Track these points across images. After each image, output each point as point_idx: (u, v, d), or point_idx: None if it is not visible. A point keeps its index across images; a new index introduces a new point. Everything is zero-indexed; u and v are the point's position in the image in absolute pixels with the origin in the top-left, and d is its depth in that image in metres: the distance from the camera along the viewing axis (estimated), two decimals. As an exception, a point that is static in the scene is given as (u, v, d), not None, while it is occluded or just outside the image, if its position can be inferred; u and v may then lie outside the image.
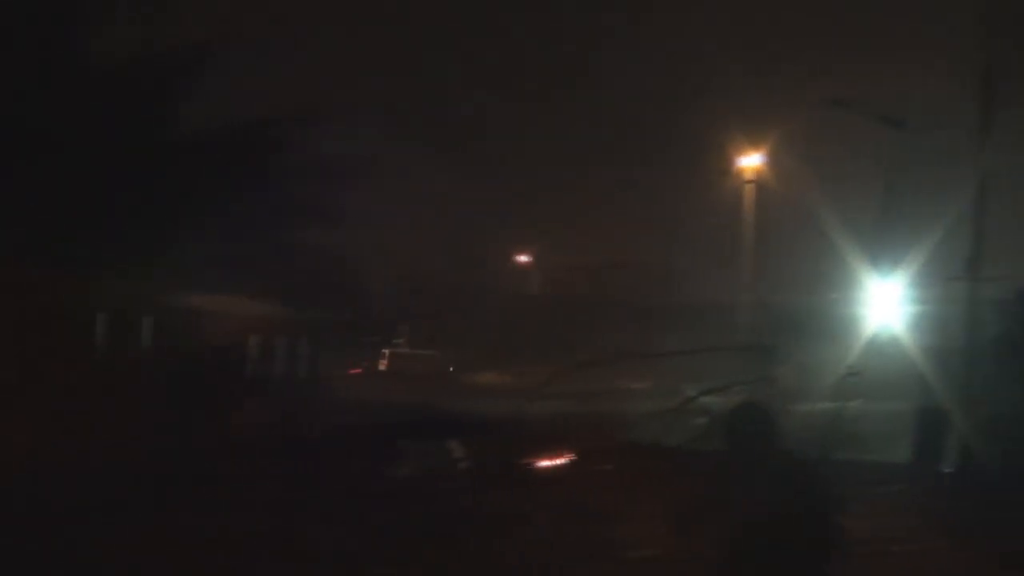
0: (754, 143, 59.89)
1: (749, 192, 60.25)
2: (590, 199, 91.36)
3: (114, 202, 28.97)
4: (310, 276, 41.04)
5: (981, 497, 22.87)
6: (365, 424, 29.33)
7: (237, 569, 16.92)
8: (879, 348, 46.30)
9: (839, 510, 10.85)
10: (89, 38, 30.53)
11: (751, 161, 60.07)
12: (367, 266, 66.78)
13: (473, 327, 73.42)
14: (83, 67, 30.13)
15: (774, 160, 59.61)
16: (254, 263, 33.70)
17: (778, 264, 64.94)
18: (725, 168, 61.58)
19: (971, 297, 28.78)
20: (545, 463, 23.53)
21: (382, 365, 67.64)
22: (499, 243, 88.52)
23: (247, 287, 33.37)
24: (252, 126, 34.19)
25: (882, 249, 39.42)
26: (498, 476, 22.18)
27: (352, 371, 62.29)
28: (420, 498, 20.61)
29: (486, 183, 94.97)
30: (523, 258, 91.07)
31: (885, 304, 41.76)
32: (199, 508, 19.58)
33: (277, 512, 19.53)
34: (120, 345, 29.12)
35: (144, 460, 23.66)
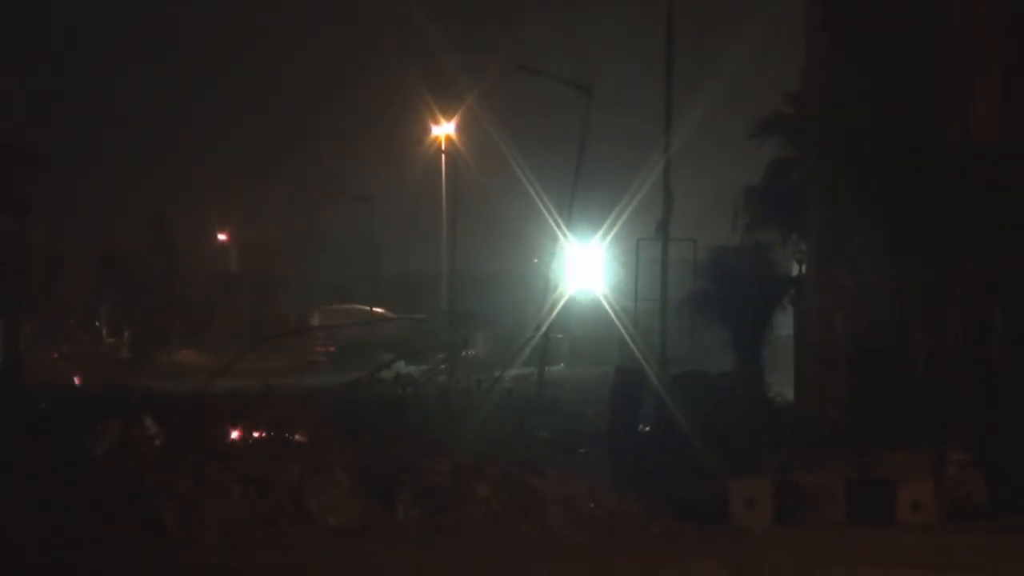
0: (446, 113, 59.25)
1: (444, 162, 59.97)
2: (287, 173, 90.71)
3: None
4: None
5: (670, 452, 23.09)
6: (65, 406, 28.59)
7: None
8: (576, 312, 46.70)
9: None
10: None
11: (444, 130, 59.58)
12: (60, 251, 65.18)
13: (169, 307, 72.18)
14: None
15: (470, 129, 59.23)
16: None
17: (478, 232, 65.15)
18: (418, 138, 61.11)
19: (664, 258, 29.04)
20: (238, 436, 23.16)
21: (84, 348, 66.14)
22: (198, 222, 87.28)
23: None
24: None
25: (577, 213, 39.49)
26: (193, 450, 21.77)
27: (53, 355, 60.63)
28: (114, 475, 20.15)
29: (183, 164, 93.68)
30: (222, 236, 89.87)
31: (583, 267, 41.98)
32: None
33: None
34: None
35: None
